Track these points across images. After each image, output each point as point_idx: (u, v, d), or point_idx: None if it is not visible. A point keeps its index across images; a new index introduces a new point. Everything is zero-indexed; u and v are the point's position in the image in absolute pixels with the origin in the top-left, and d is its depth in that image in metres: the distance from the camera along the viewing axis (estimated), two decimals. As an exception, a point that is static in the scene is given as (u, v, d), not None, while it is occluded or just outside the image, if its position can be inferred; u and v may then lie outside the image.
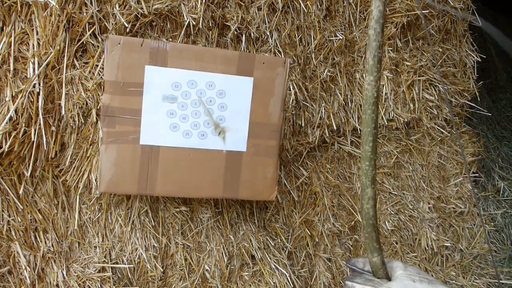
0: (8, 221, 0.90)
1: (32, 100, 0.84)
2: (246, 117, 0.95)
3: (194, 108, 0.91)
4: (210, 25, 1.00)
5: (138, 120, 0.88)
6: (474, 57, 1.59)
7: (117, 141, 0.87)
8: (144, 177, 0.90)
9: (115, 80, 0.85)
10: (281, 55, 1.09)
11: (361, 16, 1.27)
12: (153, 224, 1.05)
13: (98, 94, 0.89)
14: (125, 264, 1.01)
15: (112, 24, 0.89)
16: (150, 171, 0.90)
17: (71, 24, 0.87)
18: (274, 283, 1.11)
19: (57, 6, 0.83)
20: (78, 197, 0.97)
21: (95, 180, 0.90)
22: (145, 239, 1.03)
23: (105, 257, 0.99)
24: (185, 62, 0.89)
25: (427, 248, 1.54)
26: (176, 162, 0.91)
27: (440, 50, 1.49)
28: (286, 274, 1.13)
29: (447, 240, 1.59)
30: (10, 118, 0.81)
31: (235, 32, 1.03)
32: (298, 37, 1.14)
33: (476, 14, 1.55)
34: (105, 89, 0.86)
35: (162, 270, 1.05)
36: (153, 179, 0.90)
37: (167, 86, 0.88)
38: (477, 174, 1.73)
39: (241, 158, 0.96)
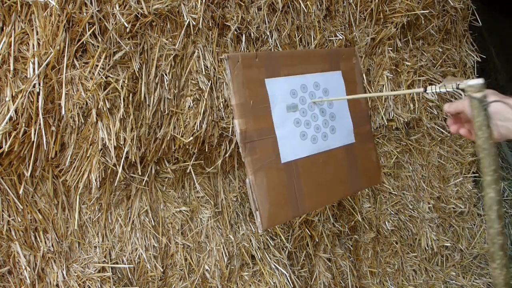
0: (8, 221, 0.90)
1: (32, 100, 0.84)
2: (347, 109, 0.97)
3: (312, 112, 0.90)
4: (210, 25, 1.00)
5: (274, 138, 0.83)
6: (474, 57, 1.59)
7: (262, 168, 0.81)
8: (293, 196, 0.85)
9: (245, 101, 0.80)
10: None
11: (361, 16, 1.27)
12: (153, 224, 1.05)
13: (98, 94, 0.89)
14: (125, 264, 1.01)
15: (112, 24, 0.89)
16: (296, 188, 0.85)
17: (71, 24, 0.87)
18: (274, 283, 1.11)
19: (57, 6, 0.83)
20: (78, 197, 0.97)
21: (259, 218, 0.80)
22: (145, 239, 1.03)
23: (105, 257, 0.99)
24: (293, 68, 0.88)
25: (427, 248, 1.54)
26: (313, 171, 0.89)
27: (440, 50, 1.50)
28: (286, 274, 1.13)
29: (447, 240, 1.59)
30: (10, 118, 0.81)
31: (235, 32, 1.03)
32: (298, 37, 1.14)
33: (476, 14, 1.55)
34: (236, 114, 0.79)
35: (162, 270, 1.05)
36: (301, 195, 0.86)
37: (287, 95, 0.86)
38: (477, 174, 1.73)
39: (354, 150, 0.97)
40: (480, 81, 0.58)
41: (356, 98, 0.98)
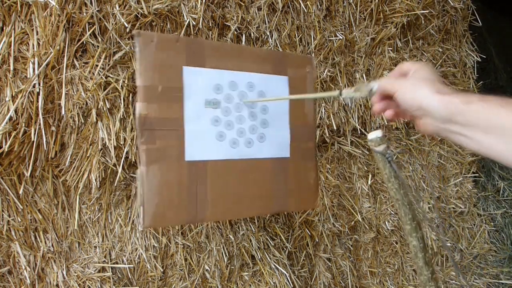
0: (8, 221, 0.90)
1: (32, 100, 0.84)
2: (286, 119, 0.85)
3: (238, 113, 0.79)
4: (210, 25, 1.00)
5: (180, 131, 0.73)
6: (474, 57, 1.59)
7: (159, 161, 0.70)
8: (193, 201, 0.74)
9: (152, 84, 0.70)
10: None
11: (361, 16, 1.27)
12: (153, 224, 1.05)
13: (98, 94, 0.89)
14: (125, 264, 1.01)
15: (112, 24, 0.89)
16: (199, 192, 0.74)
17: (71, 24, 0.87)
18: (274, 283, 1.11)
19: (57, 6, 0.83)
20: (78, 197, 0.97)
21: (141, 214, 0.71)
22: (145, 239, 1.03)
23: (105, 257, 0.99)
24: (223, 61, 0.77)
25: (427, 248, 1.54)
26: (226, 177, 0.78)
27: (440, 50, 1.50)
28: (286, 274, 1.13)
29: (447, 240, 1.59)
30: (10, 118, 0.81)
31: (235, 32, 1.03)
32: (298, 37, 1.14)
33: (476, 14, 1.55)
34: (139, 97, 0.69)
35: (162, 270, 1.05)
36: (203, 202, 0.75)
37: (208, 89, 0.76)
38: (477, 174, 1.73)
39: (287, 165, 0.85)
40: (379, 133, 0.56)
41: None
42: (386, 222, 1.46)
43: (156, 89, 0.70)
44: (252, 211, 0.84)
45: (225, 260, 1.09)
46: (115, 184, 0.99)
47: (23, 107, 0.82)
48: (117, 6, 0.89)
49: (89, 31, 0.88)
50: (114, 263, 1.00)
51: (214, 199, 0.76)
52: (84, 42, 0.89)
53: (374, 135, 0.56)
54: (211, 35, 1.01)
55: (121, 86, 0.91)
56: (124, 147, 0.93)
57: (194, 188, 0.74)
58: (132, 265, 1.02)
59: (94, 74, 0.89)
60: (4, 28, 0.82)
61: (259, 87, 0.82)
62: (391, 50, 1.35)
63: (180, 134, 0.73)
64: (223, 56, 0.78)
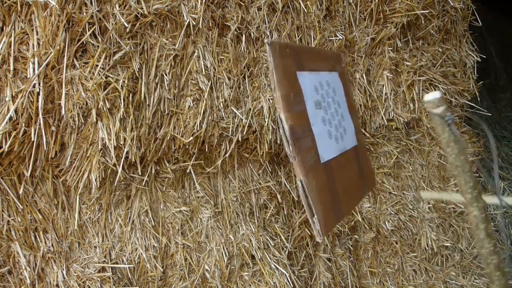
0: (8, 221, 0.90)
1: (32, 100, 0.84)
2: (347, 111, 0.89)
3: (330, 110, 0.82)
4: (210, 25, 1.00)
5: (312, 135, 0.73)
6: (474, 57, 1.59)
7: (311, 168, 0.70)
8: (335, 199, 0.75)
9: (286, 93, 0.69)
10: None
11: (361, 16, 1.27)
12: (153, 224, 1.05)
13: (98, 94, 0.89)
14: (125, 264, 1.01)
15: (112, 24, 0.89)
16: (334, 191, 0.75)
17: (71, 24, 0.87)
18: (274, 283, 1.11)
19: (57, 6, 0.83)
20: (78, 197, 0.97)
21: (317, 225, 0.67)
22: (145, 239, 1.03)
23: (105, 257, 0.99)
24: (312, 64, 0.80)
25: (427, 248, 1.54)
26: (341, 172, 0.80)
27: (440, 50, 1.50)
28: (286, 274, 1.13)
29: (447, 240, 1.59)
30: (10, 118, 0.81)
31: (235, 32, 1.03)
32: (298, 37, 1.14)
33: (476, 14, 1.55)
34: (282, 107, 0.67)
35: (162, 270, 1.05)
36: (338, 198, 0.76)
37: (312, 91, 0.77)
38: (477, 174, 1.73)
39: (358, 152, 0.89)
40: (437, 94, 0.52)
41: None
42: (386, 222, 1.46)
43: (290, 97, 0.70)
44: (358, 199, 0.89)
45: (225, 260, 1.09)
46: (115, 184, 0.99)
47: (23, 107, 0.82)
48: (117, 6, 0.89)
49: (89, 31, 0.88)
50: (114, 263, 1.00)
51: (342, 194, 0.78)
52: (84, 42, 0.89)
53: (432, 96, 0.52)
54: (211, 35, 1.01)
55: (121, 86, 0.91)
56: (124, 147, 0.93)
57: (332, 188, 0.76)
58: (132, 265, 1.02)
59: (94, 74, 0.89)
60: (4, 28, 0.82)
61: (332, 84, 0.85)
62: (391, 50, 1.35)
63: (313, 139, 0.74)
64: (311, 59, 0.81)
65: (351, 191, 0.83)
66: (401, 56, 1.38)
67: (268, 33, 1.07)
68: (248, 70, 1.08)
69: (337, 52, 0.95)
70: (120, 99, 0.91)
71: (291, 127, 0.67)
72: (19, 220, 0.91)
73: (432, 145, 1.58)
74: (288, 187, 1.23)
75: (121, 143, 0.92)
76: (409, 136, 1.53)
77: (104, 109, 0.90)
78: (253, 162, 1.20)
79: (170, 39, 0.97)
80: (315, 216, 0.66)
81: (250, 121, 1.06)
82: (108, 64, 0.90)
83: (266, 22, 1.06)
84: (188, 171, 1.07)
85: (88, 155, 0.92)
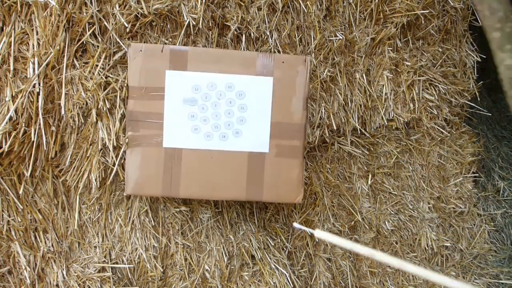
0: (8, 221, 0.90)
1: (32, 100, 0.84)
2: (267, 117, 0.94)
3: (214, 110, 0.92)
4: (210, 25, 1.00)
5: (161, 123, 0.90)
6: (474, 57, 1.59)
7: (142, 145, 0.90)
8: (168, 179, 0.91)
9: (138, 85, 0.88)
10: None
11: (361, 16, 1.27)
12: (153, 224, 1.05)
13: (98, 94, 0.89)
14: (125, 264, 1.01)
15: (112, 24, 0.89)
16: (173, 173, 0.91)
17: (71, 24, 0.87)
18: (274, 283, 1.11)
19: (57, 6, 0.83)
20: (78, 197, 0.97)
21: (125, 184, 0.92)
22: (145, 239, 1.03)
23: (105, 257, 0.99)
24: (204, 65, 0.90)
25: (427, 248, 1.54)
26: (198, 164, 0.92)
27: (440, 50, 1.50)
28: (286, 274, 1.13)
29: (447, 240, 1.59)
30: (10, 118, 0.81)
31: (235, 32, 1.03)
32: (298, 37, 1.14)
33: (476, 14, 1.55)
34: (129, 95, 0.89)
35: (162, 270, 1.05)
36: (177, 181, 0.91)
37: (187, 89, 0.90)
38: (477, 174, 1.73)
39: (263, 159, 0.95)
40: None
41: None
42: (386, 222, 1.46)
43: (141, 89, 0.89)
44: (222, 194, 0.96)
45: (225, 260, 1.09)
46: (115, 184, 0.99)
47: (23, 107, 0.82)
48: (117, 6, 0.89)
49: (89, 31, 0.88)
50: (114, 263, 1.00)
51: (187, 180, 0.92)
52: (84, 42, 0.89)
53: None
54: (211, 35, 1.01)
55: (121, 86, 0.91)
56: (124, 147, 0.93)
57: (169, 169, 0.91)
58: (132, 265, 1.02)
59: (94, 74, 0.89)
60: (4, 28, 0.82)
61: (238, 87, 0.92)
62: (391, 50, 1.35)
63: (160, 126, 0.90)
64: (204, 60, 0.90)
65: (213, 182, 0.93)
66: (401, 56, 1.38)
67: (268, 33, 1.07)
68: (248, 70, 1.08)
69: (294, 56, 0.99)
70: (120, 99, 0.91)
71: (131, 111, 0.89)
72: (19, 220, 0.91)
73: (432, 145, 1.58)
74: (288, 187, 1.23)
75: (121, 143, 0.92)
76: (409, 136, 1.53)
77: (104, 109, 0.90)
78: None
79: (170, 39, 0.97)
80: (126, 178, 0.90)
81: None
82: (108, 64, 0.90)
83: (266, 22, 1.06)
84: (188, 171, 1.07)
85: (88, 155, 0.92)
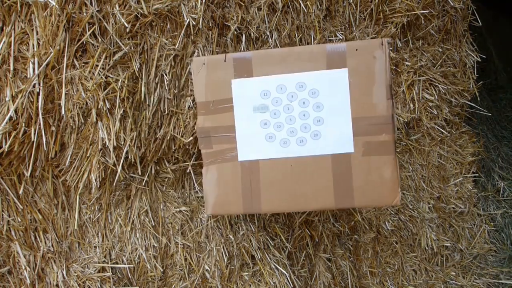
0: (8, 221, 0.90)
1: (32, 100, 0.84)
2: (347, 113, 0.84)
3: (287, 114, 0.85)
4: (210, 25, 1.00)
5: (233, 136, 0.86)
6: (474, 57, 1.59)
7: (217, 161, 0.86)
8: (248, 194, 0.86)
9: (205, 100, 0.85)
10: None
11: (361, 16, 1.27)
12: (153, 224, 1.05)
13: (98, 94, 0.89)
14: (125, 264, 1.01)
15: (112, 24, 0.89)
16: (253, 187, 0.86)
17: (71, 24, 0.87)
18: (274, 283, 1.11)
19: (57, 6, 0.83)
20: (78, 197, 0.97)
21: (206, 204, 0.90)
22: (145, 239, 1.03)
23: (105, 257, 0.99)
24: (270, 67, 0.85)
25: (427, 248, 1.54)
26: (278, 174, 0.86)
27: (440, 50, 1.50)
28: (286, 274, 1.13)
29: (447, 240, 1.59)
30: (10, 118, 0.81)
31: (235, 32, 1.03)
32: (298, 37, 1.14)
33: (476, 14, 1.55)
34: (197, 111, 0.87)
35: (162, 270, 1.05)
36: (257, 195, 0.86)
37: (255, 96, 0.85)
38: (477, 174, 1.73)
39: (349, 160, 0.85)
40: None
41: None
42: (386, 222, 1.46)
43: (209, 104, 0.86)
44: (309, 205, 0.88)
45: (225, 260, 1.09)
46: (115, 184, 0.99)
47: (23, 107, 0.82)
48: (117, 6, 0.89)
49: (89, 31, 0.88)
50: (114, 263, 1.00)
51: (267, 193, 0.86)
52: (84, 42, 0.89)
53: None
54: (211, 35, 1.01)
55: (121, 86, 0.91)
56: (124, 147, 0.93)
57: (247, 183, 0.86)
58: (132, 265, 1.02)
59: (94, 74, 0.89)
60: (4, 28, 0.82)
61: (310, 85, 0.85)
62: (391, 50, 1.35)
63: (233, 138, 0.86)
64: (269, 62, 0.85)
65: (294, 193, 0.86)
66: (401, 56, 1.38)
67: (268, 33, 1.07)
68: (248, 70, 1.08)
69: (368, 41, 0.86)
70: (120, 99, 0.91)
71: (200, 127, 0.86)
72: (19, 220, 0.91)
73: (432, 145, 1.58)
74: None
75: (121, 143, 0.92)
76: (409, 136, 1.53)
77: (104, 109, 0.90)
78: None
79: (170, 39, 0.97)
80: (205, 198, 0.88)
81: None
82: (108, 64, 0.90)
83: (266, 22, 1.06)
84: (188, 171, 1.07)
85: (88, 155, 0.92)
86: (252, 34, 1.05)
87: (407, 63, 1.39)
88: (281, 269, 1.14)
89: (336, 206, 0.86)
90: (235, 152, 0.86)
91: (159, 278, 1.06)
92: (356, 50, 0.83)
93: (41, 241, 0.93)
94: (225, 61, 0.85)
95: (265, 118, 0.86)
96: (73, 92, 0.88)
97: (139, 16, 0.91)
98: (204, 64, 0.85)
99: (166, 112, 0.98)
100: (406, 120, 1.42)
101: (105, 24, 0.89)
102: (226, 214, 0.96)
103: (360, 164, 0.85)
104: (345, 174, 0.85)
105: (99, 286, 0.96)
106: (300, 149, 0.86)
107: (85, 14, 0.87)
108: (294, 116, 0.86)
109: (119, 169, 0.93)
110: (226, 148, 0.86)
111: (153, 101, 0.95)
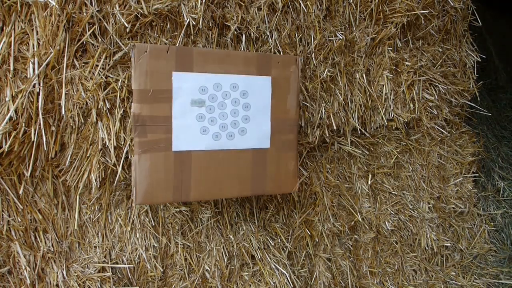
0: (8, 221, 0.90)
1: (32, 100, 0.84)
2: (268, 114, 0.98)
3: (221, 110, 0.93)
4: (210, 25, 1.00)
5: (169, 127, 0.88)
6: (474, 57, 1.59)
7: (150, 150, 0.87)
8: (178, 183, 0.89)
9: (144, 88, 0.85)
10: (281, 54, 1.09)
11: (361, 16, 1.27)
12: (153, 224, 1.05)
13: (98, 94, 0.89)
14: (125, 264, 1.01)
15: (112, 24, 0.89)
16: (183, 177, 0.90)
17: (71, 24, 0.87)
18: (274, 283, 1.11)
19: (57, 6, 0.83)
20: (78, 197, 0.97)
21: (134, 193, 0.88)
22: (145, 239, 1.03)
23: (105, 257, 0.99)
24: (209, 66, 0.90)
25: (427, 248, 1.54)
26: (208, 165, 0.92)
27: (440, 50, 1.50)
28: (286, 274, 1.13)
29: (447, 240, 1.59)
30: (10, 118, 0.81)
31: (235, 32, 1.03)
32: (298, 37, 1.14)
33: (476, 14, 1.55)
34: (134, 98, 0.85)
35: (162, 270, 1.05)
36: (187, 184, 0.90)
37: (194, 90, 0.89)
38: (477, 174, 1.73)
39: (266, 155, 0.99)
40: None
41: None
42: (386, 222, 1.46)
43: (147, 92, 0.85)
44: (231, 192, 0.97)
45: (225, 260, 1.09)
46: (115, 184, 0.99)
47: (23, 107, 0.82)
48: (117, 6, 0.89)
49: (89, 31, 0.88)
50: (114, 263, 1.00)
51: (197, 182, 0.91)
52: (84, 42, 0.89)
53: None
54: (211, 35, 1.01)
55: (121, 86, 0.91)
56: (124, 147, 0.93)
57: (179, 173, 0.89)
58: (132, 265, 1.02)
59: (94, 74, 0.89)
60: (4, 28, 0.82)
61: (242, 87, 0.94)
62: (391, 50, 1.35)
63: (168, 129, 0.88)
64: (209, 61, 0.90)
65: (221, 182, 0.94)
66: (401, 56, 1.38)
67: (268, 33, 1.07)
68: (248, 70, 1.08)
69: (285, 56, 1.01)
70: (120, 99, 0.91)
71: (137, 115, 0.85)
72: (19, 220, 0.91)
73: (432, 145, 1.58)
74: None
75: (121, 143, 0.92)
76: (409, 136, 1.53)
77: (104, 109, 0.90)
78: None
79: (170, 39, 0.97)
80: (134, 187, 0.86)
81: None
82: (108, 64, 0.90)
83: (266, 22, 1.06)
84: (188, 171, 1.07)
85: (88, 155, 0.92)
86: (252, 34, 1.05)
87: (407, 63, 1.39)
88: (281, 269, 1.13)
89: (251, 193, 0.99)
90: (169, 142, 0.88)
91: (159, 278, 1.06)
92: (278, 62, 0.98)
93: (41, 241, 0.93)
94: (167, 52, 0.86)
95: (201, 112, 0.91)
96: (73, 92, 0.88)
97: (139, 16, 0.91)
98: (146, 52, 0.84)
99: (166, 112, 0.98)
100: (406, 120, 1.42)
101: (105, 24, 0.89)
102: (154, 203, 0.99)
103: (273, 158, 1.00)
104: (262, 165, 0.98)
105: (99, 286, 0.96)
106: (228, 143, 0.94)
107: (85, 14, 0.87)
108: (226, 113, 0.93)
109: (119, 169, 0.93)
110: (160, 138, 0.87)
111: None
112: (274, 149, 1.00)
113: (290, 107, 1.01)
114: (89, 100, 0.89)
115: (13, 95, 0.81)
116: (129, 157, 0.95)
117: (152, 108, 0.86)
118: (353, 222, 1.38)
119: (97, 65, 0.89)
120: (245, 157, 0.96)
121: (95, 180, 0.92)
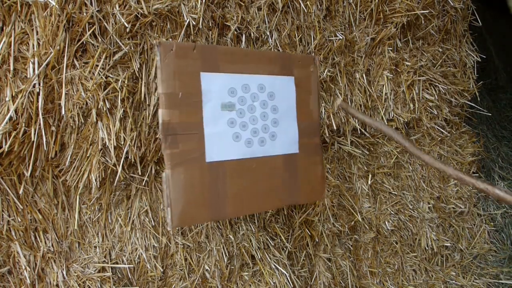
0: (8, 221, 0.90)
1: (32, 100, 0.84)
2: (293, 117, 0.90)
3: (251, 114, 0.84)
4: (210, 25, 1.00)
5: (201, 134, 0.77)
6: (474, 57, 1.59)
7: (183, 163, 0.75)
8: (215, 199, 0.78)
9: (173, 92, 0.74)
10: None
11: (361, 16, 1.27)
12: (153, 224, 1.05)
13: (98, 94, 0.89)
14: (125, 264, 1.01)
15: (112, 24, 0.89)
16: (220, 191, 0.79)
17: (71, 24, 0.87)
18: (274, 283, 1.11)
19: (57, 6, 0.83)
20: (78, 197, 0.97)
21: (169, 215, 0.74)
22: (145, 239, 1.03)
23: (105, 257, 0.99)
24: (235, 65, 0.82)
25: (427, 248, 1.54)
26: (241, 175, 0.82)
27: (440, 50, 1.50)
28: (286, 274, 1.13)
29: (447, 240, 1.59)
30: (10, 118, 0.81)
31: (235, 32, 1.03)
32: (298, 37, 1.14)
33: (476, 14, 1.55)
34: (162, 104, 0.73)
35: (162, 270, 1.05)
36: (224, 199, 0.79)
37: (223, 93, 0.80)
38: (477, 174, 1.73)
39: (296, 160, 0.89)
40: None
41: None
42: (386, 222, 1.46)
43: (177, 95, 0.75)
44: (268, 205, 0.88)
45: (225, 260, 1.09)
46: (115, 184, 0.99)
47: (23, 107, 0.82)
48: (117, 6, 0.89)
49: (89, 31, 0.88)
50: (114, 263, 1.00)
51: (233, 196, 0.80)
52: (84, 42, 0.89)
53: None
54: (211, 35, 1.01)
55: (121, 86, 0.91)
56: (124, 147, 0.93)
57: (215, 187, 0.78)
58: (132, 265, 1.02)
59: (94, 74, 0.89)
60: (4, 28, 0.82)
61: (269, 88, 0.86)
62: (391, 50, 1.35)
63: (200, 137, 0.77)
64: (235, 60, 0.82)
65: (256, 194, 0.83)
66: (401, 56, 1.38)
67: (268, 33, 1.07)
68: (248, 70, 1.08)
69: (304, 56, 0.94)
70: (120, 99, 0.91)
71: (166, 123, 0.73)
72: (19, 220, 0.91)
73: (432, 145, 1.58)
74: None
75: (121, 143, 0.92)
76: (409, 136, 1.53)
77: (104, 109, 0.90)
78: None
79: (170, 39, 0.97)
80: (169, 207, 0.72)
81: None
82: (108, 64, 0.90)
83: (266, 22, 1.06)
84: (188, 171, 1.07)
85: (88, 155, 0.92)
86: (252, 34, 1.05)
87: (407, 63, 1.39)
88: (281, 269, 1.13)
89: (286, 203, 0.89)
90: (201, 152, 0.77)
91: (159, 278, 1.06)
92: (299, 62, 0.90)
93: (41, 241, 0.93)
94: (194, 50, 0.76)
95: (232, 116, 0.81)
96: (73, 92, 0.88)
97: (139, 16, 0.91)
98: (172, 50, 0.74)
99: (166, 112, 0.98)
100: (406, 120, 1.42)
101: (105, 24, 0.89)
102: (192, 224, 0.87)
103: (303, 163, 0.90)
104: (293, 173, 0.89)
105: (99, 286, 0.96)
106: (260, 150, 0.85)
107: (85, 14, 0.87)
108: (256, 117, 0.85)
109: (119, 169, 0.93)
110: (192, 148, 0.76)
111: (153, 101, 0.95)
112: (303, 154, 0.90)
113: (313, 108, 0.93)
114: (89, 100, 0.89)
115: (13, 95, 0.81)
116: (129, 157, 0.95)
117: (182, 114, 0.75)
118: (353, 222, 1.38)
119: (97, 65, 0.89)
120: (277, 164, 0.87)
121: (95, 180, 0.92)
